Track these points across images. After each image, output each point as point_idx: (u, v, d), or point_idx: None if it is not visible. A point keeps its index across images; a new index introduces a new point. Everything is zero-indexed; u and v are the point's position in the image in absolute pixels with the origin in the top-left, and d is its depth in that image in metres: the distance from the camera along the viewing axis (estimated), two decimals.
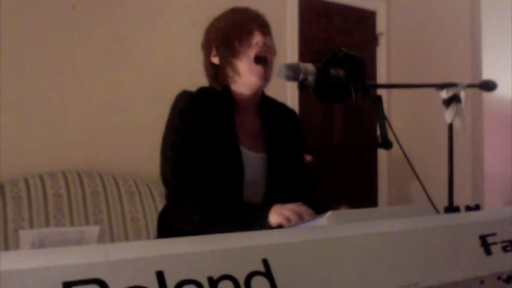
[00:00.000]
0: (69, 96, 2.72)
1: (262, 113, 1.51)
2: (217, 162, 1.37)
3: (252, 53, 1.38)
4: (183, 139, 1.37)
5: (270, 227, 1.18)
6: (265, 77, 1.40)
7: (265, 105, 1.52)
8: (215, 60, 1.45)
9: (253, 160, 1.43)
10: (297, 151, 1.57)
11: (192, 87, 1.47)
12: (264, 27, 1.42)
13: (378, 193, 4.09)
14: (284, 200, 1.30)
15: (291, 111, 1.63)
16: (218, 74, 1.45)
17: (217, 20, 1.46)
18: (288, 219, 1.15)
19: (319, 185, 1.65)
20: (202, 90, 1.46)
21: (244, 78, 1.40)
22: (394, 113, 3.91)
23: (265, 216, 1.19)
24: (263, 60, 1.38)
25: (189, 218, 1.33)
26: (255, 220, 1.21)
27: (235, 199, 1.38)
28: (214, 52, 1.45)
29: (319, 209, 1.38)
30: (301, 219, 1.14)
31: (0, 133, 2.43)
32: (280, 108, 1.59)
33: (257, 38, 1.38)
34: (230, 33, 1.39)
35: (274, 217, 1.18)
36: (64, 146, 2.69)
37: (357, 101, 1.14)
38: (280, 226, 1.17)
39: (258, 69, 1.38)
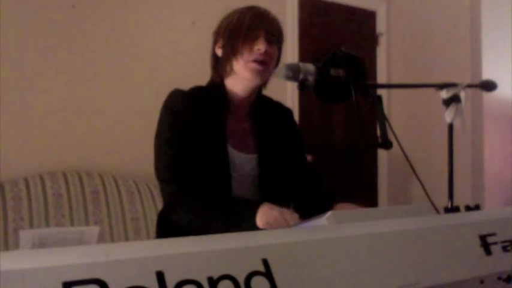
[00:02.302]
0: (69, 96, 2.72)
1: (255, 113, 1.50)
2: (204, 163, 1.37)
3: (250, 57, 1.38)
4: (178, 135, 1.37)
5: (257, 227, 1.20)
6: (260, 75, 1.40)
7: (259, 105, 1.51)
8: (218, 51, 1.46)
9: (243, 161, 1.43)
10: (294, 149, 1.56)
11: (192, 86, 1.47)
12: (272, 36, 1.41)
13: (378, 193, 4.09)
14: (280, 199, 1.30)
15: (286, 109, 1.61)
16: (218, 65, 1.47)
17: (234, 13, 1.45)
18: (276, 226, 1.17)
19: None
20: (194, 90, 1.46)
21: (239, 75, 1.41)
22: (394, 113, 3.91)
23: (253, 218, 1.21)
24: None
25: (187, 212, 1.34)
26: (244, 219, 1.23)
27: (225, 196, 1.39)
28: (219, 44, 1.46)
29: (323, 204, 1.39)
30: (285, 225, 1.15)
31: (0, 133, 2.43)
32: (274, 107, 1.58)
33: (260, 45, 1.37)
34: (237, 33, 1.39)
35: (261, 221, 1.20)
36: (64, 146, 2.69)
37: (357, 101, 1.14)
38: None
39: (254, 66, 1.38)
